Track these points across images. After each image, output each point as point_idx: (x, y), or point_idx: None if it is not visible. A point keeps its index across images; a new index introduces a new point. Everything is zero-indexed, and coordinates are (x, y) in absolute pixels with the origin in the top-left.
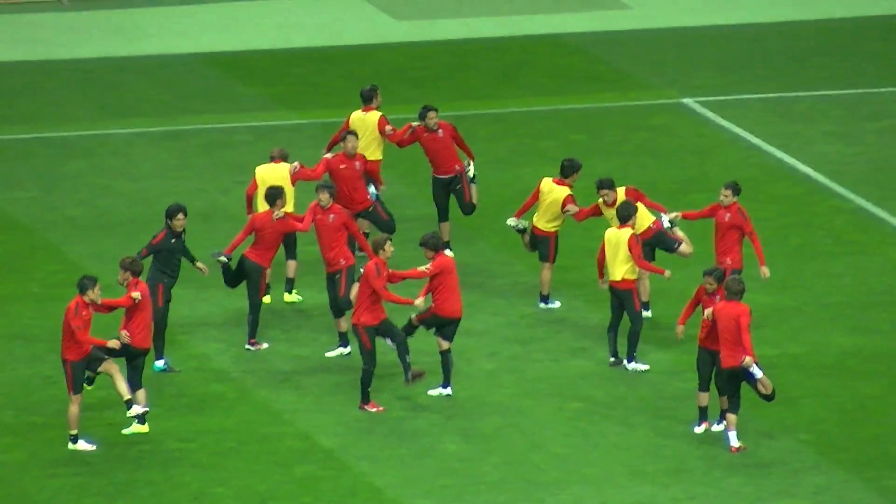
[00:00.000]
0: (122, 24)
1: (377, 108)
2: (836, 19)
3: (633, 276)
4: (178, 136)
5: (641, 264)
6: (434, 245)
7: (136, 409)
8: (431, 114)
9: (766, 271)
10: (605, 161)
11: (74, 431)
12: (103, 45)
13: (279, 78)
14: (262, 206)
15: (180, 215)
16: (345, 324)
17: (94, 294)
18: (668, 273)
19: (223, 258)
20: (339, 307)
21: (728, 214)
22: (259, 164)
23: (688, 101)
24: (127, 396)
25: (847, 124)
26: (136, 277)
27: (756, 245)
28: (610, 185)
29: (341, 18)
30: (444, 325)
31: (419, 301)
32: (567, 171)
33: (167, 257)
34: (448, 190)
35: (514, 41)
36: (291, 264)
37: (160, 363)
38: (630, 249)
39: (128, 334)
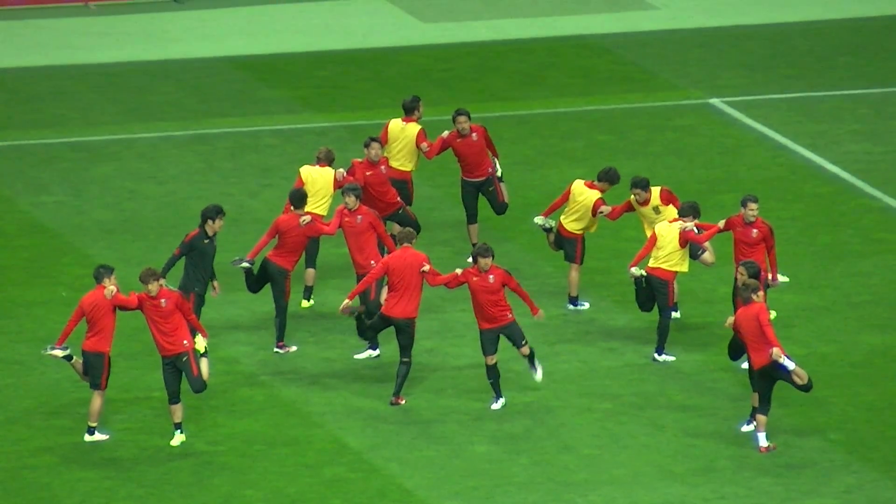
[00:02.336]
0: (148, 28)
1: (417, 120)
2: (863, 18)
3: (673, 269)
4: (205, 140)
5: (701, 238)
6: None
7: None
8: (462, 118)
9: (782, 278)
10: (631, 161)
11: (95, 424)
12: (129, 50)
13: (305, 81)
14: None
15: (221, 218)
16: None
17: (110, 282)
18: (720, 223)
19: (245, 264)
20: (369, 310)
21: (755, 231)
22: (302, 165)
23: (714, 101)
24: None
25: (874, 123)
26: (162, 280)
27: (773, 257)
28: (643, 186)
29: (367, 21)
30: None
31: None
32: (602, 177)
33: (198, 259)
34: (480, 192)
35: (539, 43)
36: (310, 272)
37: None
38: (687, 242)
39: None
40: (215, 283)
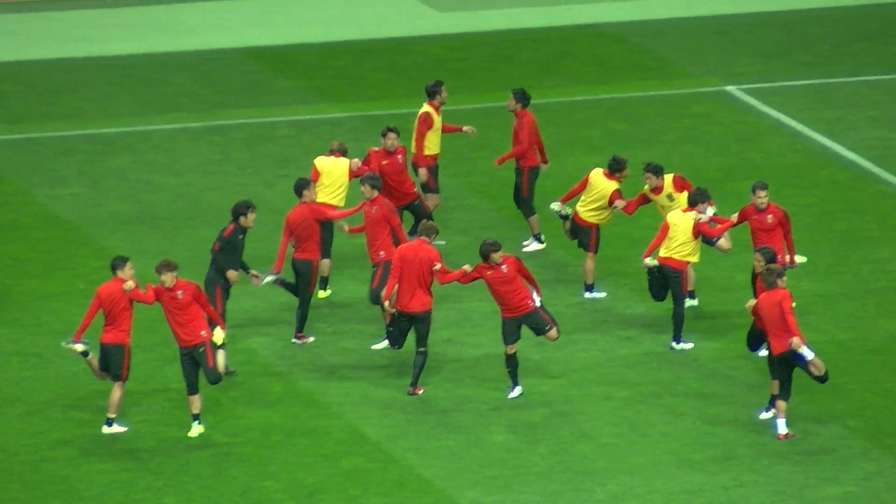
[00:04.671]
0: (164, 19)
1: (440, 104)
2: (877, 4)
3: (685, 259)
4: (221, 131)
5: (714, 232)
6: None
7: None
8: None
9: (799, 259)
10: (647, 150)
11: (113, 415)
12: (145, 41)
13: (320, 71)
14: (320, 195)
15: (252, 212)
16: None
17: (124, 273)
18: (733, 217)
19: (270, 278)
20: (371, 300)
21: (770, 216)
22: (316, 157)
23: (730, 88)
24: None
25: (891, 109)
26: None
27: (791, 240)
28: (654, 171)
29: (382, 11)
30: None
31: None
32: (612, 167)
33: (231, 254)
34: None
35: (554, 31)
36: (326, 262)
37: None
38: (700, 233)
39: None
40: (253, 272)
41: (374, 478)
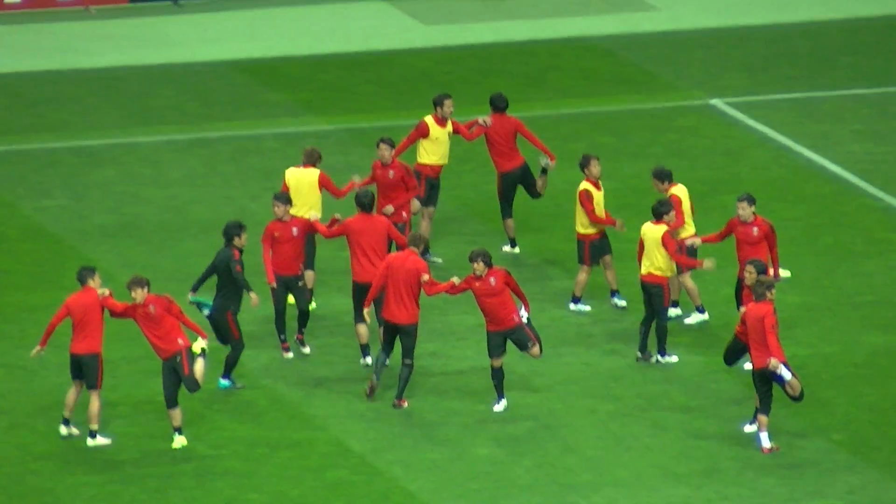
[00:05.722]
0: (150, 32)
1: (441, 116)
2: (863, 18)
3: (662, 273)
4: (207, 144)
5: (678, 259)
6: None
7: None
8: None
9: (784, 273)
10: (633, 163)
11: (96, 427)
12: (130, 54)
13: (307, 84)
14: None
15: (244, 232)
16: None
17: (94, 283)
18: (707, 263)
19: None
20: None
21: (755, 228)
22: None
23: (716, 101)
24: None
25: (876, 123)
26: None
27: (776, 254)
28: (659, 176)
29: (369, 24)
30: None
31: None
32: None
33: (229, 278)
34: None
35: (541, 45)
36: (310, 274)
37: (226, 381)
38: (665, 245)
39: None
40: (252, 294)
41: (358, 491)
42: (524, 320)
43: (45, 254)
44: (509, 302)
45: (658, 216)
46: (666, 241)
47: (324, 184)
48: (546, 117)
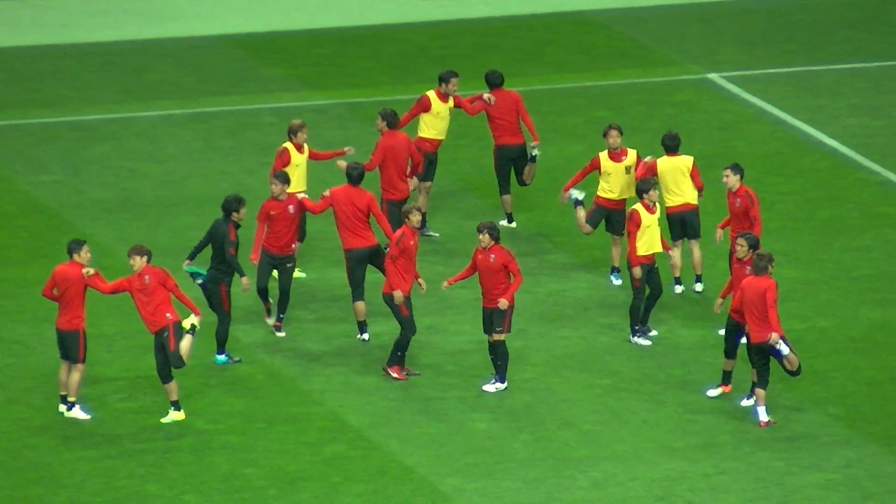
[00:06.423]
0: (147, 7)
1: (444, 92)
2: None
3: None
4: (204, 118)
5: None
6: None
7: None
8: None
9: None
10: (630, 137)
11: (73, 399)
12: (127, 29)
13: (303, 59)
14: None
15: (243, 207)
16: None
17: (81, 257)
18: (672, 253)
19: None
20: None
21: (738, 200)
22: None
23: (712, 76)
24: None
25: (873, 97)
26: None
27: (757, 228)
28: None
29: None
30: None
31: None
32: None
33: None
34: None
35: (537, 19)
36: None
37: (222, 357)
38: (693, 178)
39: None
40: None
41: (355, 465)
42: (503, 307)
43: (42, 229)
44: (502, 284)
45: (640, 194)
46: (694, 175)
47: (312, 156)
48: (543, 91)
